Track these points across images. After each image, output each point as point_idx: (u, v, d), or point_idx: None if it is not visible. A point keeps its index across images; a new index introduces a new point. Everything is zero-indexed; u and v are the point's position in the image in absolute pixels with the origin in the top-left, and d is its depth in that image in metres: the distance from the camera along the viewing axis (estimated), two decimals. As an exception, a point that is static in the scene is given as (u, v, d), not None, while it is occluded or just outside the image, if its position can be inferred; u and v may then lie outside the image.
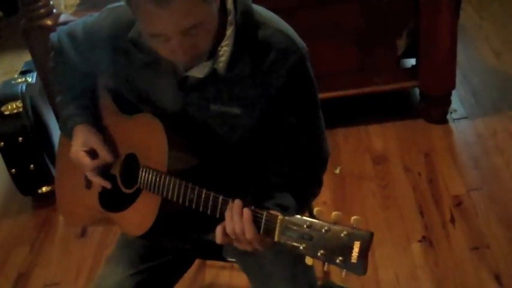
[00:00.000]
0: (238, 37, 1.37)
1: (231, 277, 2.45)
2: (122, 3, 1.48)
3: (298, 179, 1.48)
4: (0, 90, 3.02)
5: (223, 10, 1.36)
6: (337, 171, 2.90)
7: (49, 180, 2.95)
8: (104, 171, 1.61)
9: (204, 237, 1.63)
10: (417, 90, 3.17)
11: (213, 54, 1.37)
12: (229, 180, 1.46)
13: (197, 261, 2.00)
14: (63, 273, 2.66)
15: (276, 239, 1.23)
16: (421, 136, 3.05)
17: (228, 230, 1.30)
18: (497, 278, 2.25)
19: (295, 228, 1.20)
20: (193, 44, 1.28)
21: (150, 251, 1.65)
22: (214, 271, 2.48)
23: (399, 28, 2.94)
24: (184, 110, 1.47)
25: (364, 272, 1.14)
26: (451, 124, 3.11)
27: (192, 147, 1.47)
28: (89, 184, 1.66)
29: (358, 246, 1.13)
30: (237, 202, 1.30)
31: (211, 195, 1.34)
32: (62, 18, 2.86)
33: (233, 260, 1.75)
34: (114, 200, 1.57)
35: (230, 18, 1.37)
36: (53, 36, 1.69)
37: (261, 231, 1.27)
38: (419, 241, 2.46)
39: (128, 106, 1.58)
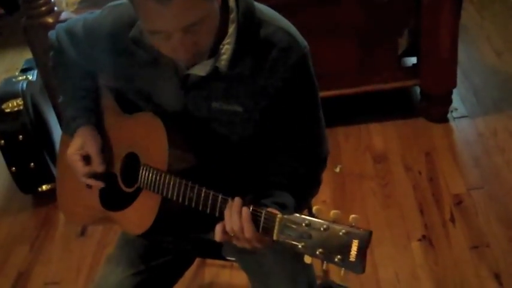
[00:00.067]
0: (240, 35, 1.37)
1: (231, 276, 2.45)
2: (123, 1, 1.48)
3: (298, 178, 1.47)
4: (1, 88, 3.02)
5: (225, 8, 1.36)
6: (338, 170, 2.90)
7: (49, 178, 2.95)
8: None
9: (204, 236, 1.63)
10: (418, 89, 3.17)
11: (214, 52, 1.37)
12: (229, 179, 1.45)
13: (197, 260, 2.00)
14: (64, 272, 2.66)
15: (274, 237, 1.23)
16: (422, 135, 3.05)
17: (227, 228, 1.30)
18: (497, 277, 2.25)
19: (294, 226, 1.20)
20: (195, 41, 1.28)
21: (150, 251, 1.65)
22: (214, 270, 2.48)
23: (400, 27, 2.93)
24: (185, 109, 1.47)
25: (363, 270, 1.14)
26: (452, 123, 3.11)
27: (192, 145, 1.47)
28: (87, 184, 1.66)
29: (357, 244, 1.13)
30: (236, 200, 1.30)
31: (211, 193, 1.34)
32: (63, 15, 2.86)
33: (233, 258, 1.75)
34: (115, 199, 1.57)
35: (232, 16, 1.37)
36: (51, 34, 1.69)
37: (260, 229, 1.27)
38: (420, 240, 2.46)
39: (129, 105, 1.58)
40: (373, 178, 2.83)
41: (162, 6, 1.20)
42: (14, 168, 2.92)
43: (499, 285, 2.22)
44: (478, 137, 3.00)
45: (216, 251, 1.73)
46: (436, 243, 2.44)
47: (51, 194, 2.79)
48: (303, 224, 1.19)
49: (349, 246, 1.13)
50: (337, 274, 2.11)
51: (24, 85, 2.99)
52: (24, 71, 3.29)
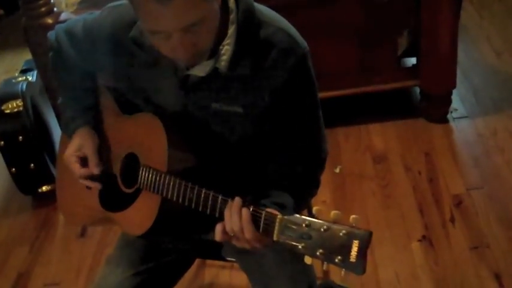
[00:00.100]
0: (240, 36, 1.37)
1: (231, 276, 2.45)
2: (123, 1, 1.48)
3: (297, 178, 1.48)
4: (0, 89, 3.02)
5: (225, 9, 1.36)
6: (338, 170, 2.90)
7: (49, 179, 2.94)
8: (103, 170, 1.61)
9: (204, 236, 1.63)
10: (418, 90, 3.17)
11: (214, 53, 1.37)
12: (229, 180, 1.45)
13: (197, 261, 2.00)
14: (63, 272, 2.66)
15: (275, 238, 1.23)
16: (422, 135, 3.05)
17: (227, 228, 1.31)
18: (497, 277, 2.25)
19: (294, 227, 1.20)
20: (194, 41, 1.28)
21: (150, 251, 1.65)
22: (214, 270, 2.48)
23: (400, 27, 2.93)
24: (185, 109, 1.47)
25: (363, 271, 1.14)
26: (452, 123, 3.11)
27: (192, 146, 1.47)
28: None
29: (357, 245, 1.13)
30: (237, 201, 1.30)
31: (211, 194, 1.34)
32: (63, 16, 2.86)
33: (233, 259, 1.75)
34: (115, 200, 1.57)
35: (232, 17, 1.37)
36: (51, 34, 1.69)
37: (260, 230, 1.27)
38: (420, 240, 2.46)
39: (129, 105, 1.58)
40: (373, 178, 2.83)
41: (162, 6, 1.20)
42: (13, 169, 2.92)
43: (499, 285, 2.22)
44: (477, 137, 3.00)
45: (216, 252, 1.73)
46: (436, 243, 2.44)
47: (51, 195, 2.79)
48: (303, 225, 1.19)
49: (350, 247, 1.13)
50: (337, 274, 2.12)
51: (24, 86, 2.99)
52: (23, 71, 3.29)
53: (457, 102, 3.21)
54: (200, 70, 1.39)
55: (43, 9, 2.82)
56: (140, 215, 1.48)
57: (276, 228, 1.23)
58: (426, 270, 2.33)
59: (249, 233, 1.27)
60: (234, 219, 1.28)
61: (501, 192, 2.63)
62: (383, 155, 2.97)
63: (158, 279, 1.66)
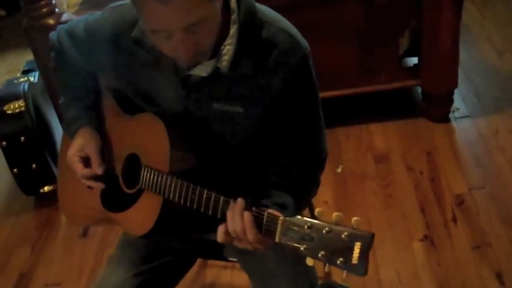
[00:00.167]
0: (241, 36, 1.37)
1: (232, 276, 2.45)
2: (125, 2, 1.48)
3: (297, 178, 1.48)
4: (2, 90, 3.03)
5: (226, 9, 1.36)
6: (339, 170, 2.90)
7: (51, 179, 2.95)
8: (105, 171, 1.61)
9: (205, 237, 1.63)
10: (419, 89, 3.17)
11: (216, 53, 1.38)
12: (230, 180, 1.46)
13: (198, 261, 2.00)
14: (65, 273, 2.66)
15: (276, 239, 1.23)
16: (423, 135, 3.05)
17: (230, 230, 1.31)
18: (499, 276, 2.25)
19: (296, 229, 1.20)
20: (196, 41, 1.28)
21: (152, 251, 1.65)
22: (215, 271, 2.48)
23: (401, 27, 2.94)
24: (186, 109, 1.47)
25: (365, 273, 1.14)
26: (453, 123, 3.11)
27: (194, 146, 1.47)
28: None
29: (359, 247, 1.13)
30: (239, 202, 1.30)
31: (213, 195, 1.34)
32: (64, 17, 2.86)
33: (234, 259, 1.75)
34: (116, 200, 1.57)
35: (233, 17, 1.37)
36: (52, 35, 1.69)
37: (262, 231, 1.27)
38: (421, 240, 2.46)
39: (130, 105, 1.58)
40: (374, 178, 2.83)
41: (164, 5, 1.20)
42: (15, 169, 2.92)
43: (501, 284, 2.22)
44: (479, 136, 3.00)
45: (217, 252, 1.73)
46: (438, 243, 2.44)
47: (53, 195, 2.80)
48: (305, 227, 1.19)
49: (352, 249, 1.13)
50: (339, 275, 2.12)
51: (26, 87, 2.99)
52: (25, 72, 3.29)
53: (459, 102, 3.21)
54: (201, 70, 1.40)
55: (45, 10, 2.82)
56: (142, 216, 1.48)
57: (278, 229, 1.23)
58: (428, 270, 2.33)
59: (251, 234, 1.27)
60: (237, 221, 1.28)
61: (503, 192, 2.63)
62: (384, 154, 2.97)
63: (160, 279, 1.66)
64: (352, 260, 1.14)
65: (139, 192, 1.50)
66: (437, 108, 3.10)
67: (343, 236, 1.14)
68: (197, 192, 1.36)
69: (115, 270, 1.63)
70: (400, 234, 2.51)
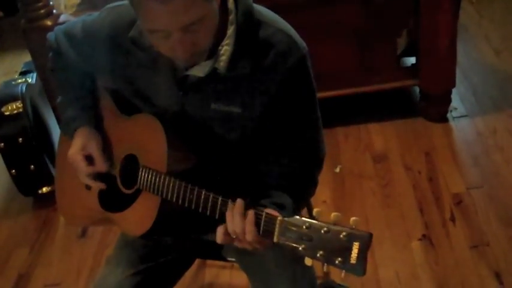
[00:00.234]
0: (239, 36, 1.37)
1: (231, 276, 2.45)
2: (122, 2, 1.48)
3: (295, 178, 1.48)
4: (0, 91, 3.02)
5: (224, 9, 1.37)
6: (337, 170, 2.90)
7: (49, 180, 2.95)
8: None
9: (203, 237, 1.63)
10: (417, 89, 3.17)
11: (213, 53, 1.38)
12: (229, 181, 1.46)
13: (197, 261, 2.00)
14: (64, 273, 2.66)
15: (275, 240, 1.24)
16: (421, 135, 3.05)
17: (230, 230, 1.31)
18: (498, 276, 2.25)
19: (294, 229, 1.20)
20: (194, 41, 1.29)
21: (150, 251, 1.65)
22: (214, 271, 2.48)
23: (399, 27, 2.94)
24: (183, 110, 1.47)
25: (363, 272, 1.14)
26: (451, 122, 3.11)
27: (191, 147, 1.47)
28: (88, 185, 1.66)
29: (357, 247, 1.13)
30: (238, 203, 1.30)
31: (211, 196, 1.34)
32: (62, 18, 2.86)
33: (233, 259, 1.75)
34: (114, 201, 1.57)
35: (231, 17, 1.37)
36: (50, 35, 1.69)
37: (261, 232, 1.27)
38: (420, 240, 2.46)
39: (128, 106, 1.58)
40: (372, 178, 2.83)
41: (162, 4, 1.20)
42: (14, 170, 2.92)
43: (500, 284, 2.22)
44: (477, 136, 3.00)
45: (216, 252, 1.73)
46: (436, 242, 2.44)
47: (51, 196, 2.78)
48: (304, 227, 1.19)
49: (350, 249, 1.14)
50: (338, 274, 2.12)
51: (24, 88, 2.99)
52: (23, 73, 3.29)
53: (457, 102, 3.21)
54: (199, 70, 1.40)
55: (42, 11, 2.82)
56: (140, 216, 1.48)
57: (276, 230, 1.23)
58: (426, 270, 2.33)
59: (250, 234, 1.27)
60: (237, 221, 1.28)
61: (501, 191, 2.63)
62: (383, 154, 2.97)
63: (158, 279, 1.66)
64: (350, 260, 1.14)
65: (137, 192, 1.50)
66: (436, 107, 3.10)
67: (341, 236, 1.15)
68: (195, 193, 1.36)
69: (113, 270, 1.63)
70: (398, 234, 2.51)
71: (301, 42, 1.42)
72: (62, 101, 1.70)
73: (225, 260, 1.78)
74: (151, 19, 1.25)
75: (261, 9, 1.44)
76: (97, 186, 1.61)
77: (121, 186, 1.57)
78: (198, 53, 1.34)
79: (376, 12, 2.86)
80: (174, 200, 1.39)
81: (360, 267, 1.14)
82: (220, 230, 1.32)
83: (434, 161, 2.86)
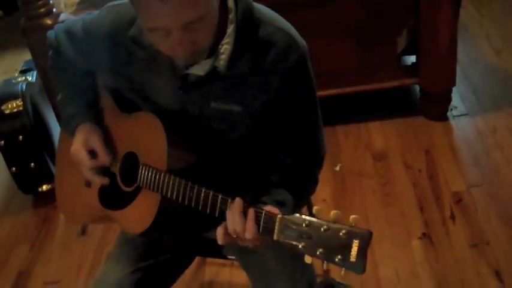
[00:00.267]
0: (239, 35, 1.37)
1: (231, 274, 2.45)
2: (122, 1, 1.48)
3: (295, 176, 1.48)
4: (0, 89, 3.02)
5: (224, 8, 1.36)
6: (337, 168, 2.90)
7: (49, 178, 2.95)
8: (103, 169, 1.61)
9: (204, 235, 1.63)
10: (417, 88, 3.17)
11: (213, 52, 1.38)
12: (228, 178, 1.46)
13: (197, 259, 2.00)
14: (64, 271, 2.66)
15: (275, 237, 1.24)
16: (422, 133, 3.05)
17: (230, 230, 1.31)
18: (498, 274, 2.25)
19: (294, 227, 1.20)
20: (194, 40, 1.29)
21: (150, 249, 1.65)
22: (214, 268, 2.48)
23: (400, 25, 2.93)
24: (184, 108, 1.47)
25: (363, 270, 1.14)
26: (452, 121, 3.11)
27: (191, 145, 1.47)
28: (88, 182, 1.66)
29: (357, 245, 1.13)
30: (238, 201, 1.30)
31: (211, 194, 1.34)
32: (62, 17, 2.86)
33: (233, 257, 1.76)
34: (114, 198, 1.57)
35: (231, 16, 1.37)
36: (50, 33, 1.69)
37: (260, 230, 1.27)
38: (420, 238, 2.46)
39: (128, 104, 1.58)
40: (372, 176, 2.83)
41: (162, 3, 1.20)
42: (14, 168, 2.92)
43: (500, 282, 2.22)
44: (477, 134, 3.00)
45: (216, 250, 1.73)
46: (436, 241, 2.44)
47: (51, 194, 2.78)
48: (303, 225, 1.19)
49: (350, 247, 1.14)
50: (337, 273, 2.12)
51: (24, 86, 2.99)
52: (23, 72, 3.29)
53: (457, 100, 3.21)
54: (199, 69, 1.40)
55: (42, 9, 2.82)
56: (140, 214, 1.48)
57: (276, 227, 1.23)
58: (426, 268, 2.33)
59: (250, 233, 1.27)
60: (237, 220, 1.29)
61: (501, 190, 2.63)
62: (383, 153, 2.97)
63: (158, 276, 1.66)
64: (350, 258, 1.14)
65: (137, 190, 1.50)
66: (436, 106, 3.10)
67: (341, 233, 1.15)
68: (195, 191, 1.36)
69: (113, 267, 1.63)
70: (398, 232, 2.51)
71: (301, 41, 1.42)
72: (62, 98, 1.70)
73: (225, 258, 1.79)
74: (152, 17, 1.25)
75: (261, 8, 1.44)
76: (101, 181, 1.60)
77: (121, 184, 1.57)
78: (198, 51, 1.34)
79: (376, 11, 2.86)
80: (174, 197, 1.39)
81: (360, 265, 1.14)
82: (220, 231, 1.32)
83: (435, 160, 2.86)
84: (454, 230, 2.47)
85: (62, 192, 1.81)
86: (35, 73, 3.15)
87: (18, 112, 2.87)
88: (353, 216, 1.15)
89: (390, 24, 2.91)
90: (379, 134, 3.09)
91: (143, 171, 1.46)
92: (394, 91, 3.20)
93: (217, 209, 1.34)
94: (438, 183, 2.72)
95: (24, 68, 3.37)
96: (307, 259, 1.19)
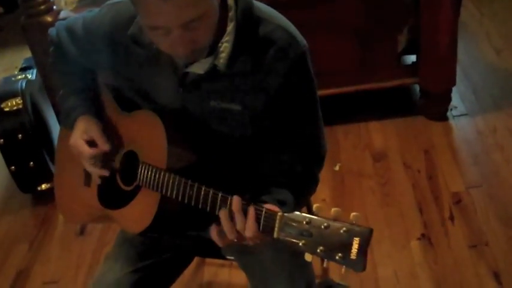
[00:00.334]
0: (238, 33, 1.37)
1: (230, 275, 2.45)
2: (122, -2, 1.48)
3: (296, 175, 1.48)
4: (0, 87, 3.02)
5: (223, 6, 1.36)
6: (337, 168, 2.90)
7: (49, 177, 2.95)
8: (103, 167, 1.60)
9: (203, 234, 1.63)
10: (417, 87, 3.17)
11: (213, 50, 1.37)
12: (229, 177, 1.45)
13: (196, 259, 2.00)
14: (63, 270, 2.66)
15: (275, 235, 1.23)
16: (421, 133, 3.05)
17: (227, 229, 1.30)
18: (496, 275, 2.25)
19: (294, 224, 1.20)
20: (194, 38, 1.28)
21: (149, 249, 1.65)
22: (213, 269, 2.48)
23: (400, 24, 2.93)
24: (184, 107, 1.47)
25: (364, 268, 1.14)
26: (451, 121, 3.11)
27: (191, 144, 1.47)
28: (87, 181, 1.66)
29: (358, 242, 1.13)
30: (236, 200, 1.30)
31: (211, 192, 1.34)
32: (62, 14, 2.86)
33: (232, 257, 1.75)
34: (113, 197, 1.57)
35: (231, 14, 1.37)
36: (52, 31, 1.69)
37: (261, 227, 1.27)
38: (419, 239, 2.46)
39: (128, 103, 1.58)
40: (372, 176, 2.83)
41: (162, 1, 1.20)
42: (13, 167, 2.92)
43: (498, 283, 2.22)
44: (477, 135, 3.00)
45: (215, 250, 1.72)
46: (435, 241, 2.44)
47: (50, 193, 2.79)
48: (304, 222, 1.19)
49: (350, 244, 1.13)
50: (336, 273, 2.12)
51: (24, 84, 2.99)
52: (23, 69, 3.29)
53: (457, 100, 3.21)
54: (199, 67, 1.39)
55: (42, 7, 2.82)
56: (139, 213, 1.48)
57: (277, 225, 1.23)
58: (425, 269, 2.33)
59: (250, 231, 1.27)
60: (238, 218, 1.28)
61: (500, 190, 2.63)
62: (382, 152, 2.97)
63: (157, 276, 1.66)
64: (350, 256, 1.14)
65: (137, 189, 1.49)
66: (436, 106, 3.10)
67: (341, 231, 1.14)
68: (195, 189, 1.36)
69: (112, 267, 1.63)
70: (397, 233, 2.51)
71: (301, 39, 1.42)
72: (62, 93, 1.69)
73: (224, 258, 1.78)
74: (151, 16, 1.25)
75: (261, 6, 1.43)
76: (100, 172, 1.59)
77: (120, 183, 1.57)
78: (198, 50, 1.33)
79: (376, 10, 2.86)
80: (174, 196, 1.39)
81: (360, 263, 1.14)
82: (215, 235, 1.32)
83: (434, 160, 2.86)
84: (453, 230, 2.47)
85: (61, 191, 1.81)
86: (34, 71, 3.15)
87: (18, 110, 2.87)
88: (353, 213, 1.15)
89: (390, 24, 2.91)
90: (379, 133, 3.09)
91: (143, 170, 1.45)
92: (394, 90, 3.20)
93: (217, 207, 1.33)
94: (437, 183, 2.72)
95: (24, 65, 3.38)
96: (307, 257, 1.19)
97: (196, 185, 1.36)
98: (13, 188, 3.05)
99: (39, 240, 2.85)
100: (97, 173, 1.59)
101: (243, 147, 1.50)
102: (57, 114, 3.05)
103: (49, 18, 2.81)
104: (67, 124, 1.65)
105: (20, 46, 4.32)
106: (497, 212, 2.51)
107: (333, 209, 1.17)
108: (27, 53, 3.10)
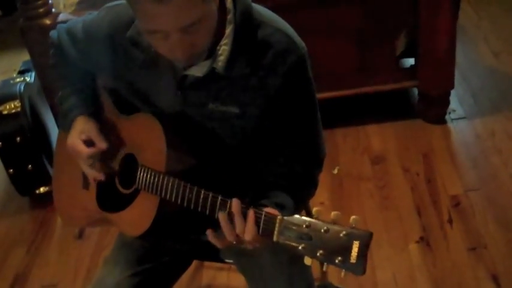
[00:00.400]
0: (237, 36, 1.37)
1: (229, 278, 2.45)
2: (121, 1, 1.48)
3: (295, 179, 1.47)
4: (-2, 90, 3.01)
5: (222, 9, 1.36)
6: (336, 171, 2.89)
7: (47, 180, 2.94)
8: (101, 170, 1.60)
9: (202, 238, 1.62)
10: (416, 90, 3.17)
11: (212, 53, 1.37)
12: (228, 180, 1.45)
13: (195, 262, 1.99)
14: (61, 274, 2.65)
15: (274, 239, 1.23)
16: (420, 136, 3.05)
17: (226, 232, 1.30)
18: (495, 278, 2.25)
19: (294, 228, 1.20)
20: (192, 42, 1.28)
21: (148, 252, 1.64)
22: (211, 272, 2.47)
23: (398, 28, 2.94)
24: (182, 110, 1.47)
25: (363, 272, 1.14)
26: (450, 124, 3.11)
27: (190, 147, 1.47)
28: (86, 184, 1.66)
29: (357, 246, 1.13)
30: (236, 203, 1.29)
31: (210, 195, 1.34)
32: (61, 17, 2.85)
33: (230, 261, 1.75)
34: (112, 201, 1.56)
35: (229, 17, 1.37)
36: (53, 33, 1.69)
37: (260, 231, 1.27)
38: (417, 242, 2.46)
39: (127, 105, 1.58)
40: (370, 179, 2.83)
41: (161, 5, 1.20)
42: (11, 170, 2.91)
43: (497, 286, 2.22)
44: (475, 138, 3.00)
45: (214, 253, 1.73)
46: (434, 245, 2.44)
47: (48, 196, 2.79)
48: (304, 226, 1.18)
49: (350, 248, 1.13)
50: (335, 276, 2.12)
51: (22, 87, 2.98)
52: (21, 72, 3.28)
53: (455, 103, 3.22)
54: (197, 70, 1.39)
55: (41, 10, 2.81)
56: (138, 216, 1.47)
57: (276, 229, 1.23)
58: (424, 272, 2.33)
59: (250, 234, 1.27)
60: (237, 222, 1.28)
61: (499, 194, 2.63)
62: (381, 156, 2.97)
63: (155, 280, 1.66)
64: (350, 259, 1.14)
65: (136, 192, 1.49)
66: (434, 109, 3.11)
67: (341, 235, 1.14)
68: (194, 192, 1.36)
69: (111, 271, 1.63)
70: (396, 236, 2.50)
71: (300, 42, 1.42)
72: (61, 95, 1.69)
73: (222, 261, 1.78)
74: (150, 20, 1.25)
75: (260, 9, 1.43)
76: (97, 176, 1.58)
77: (119, 186, 1.57)
78: (197, 53, 1.33)
79: (375, 13, 2.86)
80: (173, 199, 1.38)
81: (360, 267, 1.14)
82: (213, 239, 1.32)
83: (433, 163, 2.86)
84: (452, 233, 2.47)
85: (59, 195, 1.80)
86: (33, 74, 3.14)
87: (16, 113, 2.86)
88: (353, 217, 1.15)
89: (389, 27, 2.92)
90: (378, 136, 3.09)
91: (142, 173, 1.45)
92: (393, 94, 3.20)
93: (217, 211, 1.33)
94: (436, 186, 2.72)
95: (22, 68, 3.36)
96: (307, 261, 1.19)
97: (195, 188, 1.36)
98: (11, 191, 3.04)
99: (37, 243, 2.84)
100: (93, 175, 1.59)
101: (242, 150, 1.50)
102: (56, 117, 3.04)
103: (48, 21, 2.81)
104: (65, 125, 1.65)
105: (18, 49, 4.31)
106: (496, 215, 2.51)
107: (333, 213, 1.17)
108: (26, 56, 3.09)
